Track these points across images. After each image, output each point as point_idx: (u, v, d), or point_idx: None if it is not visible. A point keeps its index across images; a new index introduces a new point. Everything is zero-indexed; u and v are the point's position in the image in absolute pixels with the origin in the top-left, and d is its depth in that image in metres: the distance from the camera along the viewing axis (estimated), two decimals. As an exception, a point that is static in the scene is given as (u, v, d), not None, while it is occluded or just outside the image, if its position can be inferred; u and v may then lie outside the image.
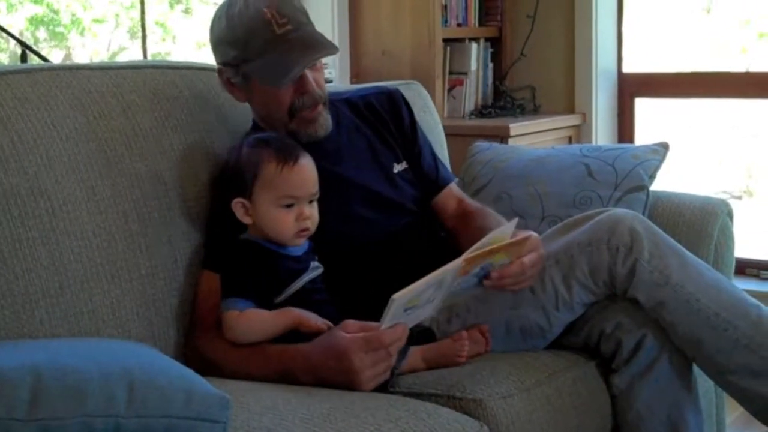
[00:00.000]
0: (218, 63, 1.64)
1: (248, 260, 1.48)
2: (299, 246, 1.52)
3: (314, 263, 1.53)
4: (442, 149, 2.17)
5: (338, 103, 1.76)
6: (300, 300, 1.48)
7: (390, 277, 1.38)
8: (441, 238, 1.77)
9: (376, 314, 1.36)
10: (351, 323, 1.40)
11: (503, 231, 1.44)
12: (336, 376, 1.37)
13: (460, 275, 1.39)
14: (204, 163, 1.67)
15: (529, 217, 1.97)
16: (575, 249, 1.58)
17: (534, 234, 1.53)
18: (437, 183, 1.80)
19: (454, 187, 1.82)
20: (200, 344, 1.53)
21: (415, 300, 1.33)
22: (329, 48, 1.59)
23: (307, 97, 1.59)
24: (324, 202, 1.53)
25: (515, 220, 1.47)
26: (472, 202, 1.80)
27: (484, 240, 1.40)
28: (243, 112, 1.73)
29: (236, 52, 1.58)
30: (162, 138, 1.63)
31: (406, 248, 1.66)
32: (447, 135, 2.27)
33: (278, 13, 1.55)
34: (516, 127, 2.89)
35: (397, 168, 1.75)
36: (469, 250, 1.38)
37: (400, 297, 1.28)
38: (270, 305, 1.47)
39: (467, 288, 1.48)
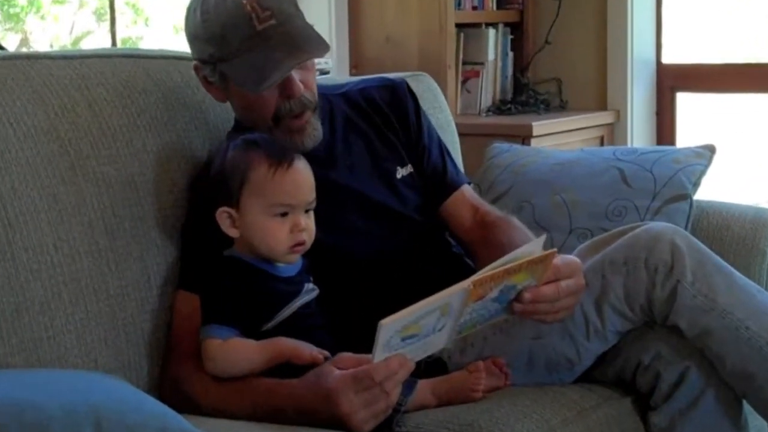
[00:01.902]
0: (194, 59, 1.65)
1: (233, 281, 1.48)
2: (293, 264, 1.53)
3: (309, 285, 1.54)
4: (454, 151, 2.18)
5: (333, 97, 1.77)
6: (292, 327, 1.48)
7: (394, 299, 1.37)
8: (455, 255, 1.77)
9: (378, 342, 1.36)
10: (345, 357, 1.41)
11: (527, 251, 1.42)
12: (327, 420, 1.36)
13: (473, 300, 1.38)
14: (182, 166, 1.67)
15: (555, 230, 1.98)
16: (608, 269, 1.58)
17: (574, 259, 1.52)
18: (445, 185, 1.79)
19: (467, 192, 1.81)
20: (177, 376, 1.53)
21: (414, 327, 1.33)
22: (318, 48, 1.58)
23: (294, 102, 1.59)
24: (316, 213, 1.54)
25: (543, 237, 1.46)
26: (491, 210, 1.79)
27: (500, 260, 1.39)
28: (227, 108, 1.74)
29: (212, 50, 1.59)
30: (134, 137, 1.63)
31: (412, 266, 1.67)
32: (460, 135, 2.28)
33: (260, 6, 1.55)
34: (539, 125, 2.91)
35: (401, 173, 1.75)
36: (481, 271, 1.37)
37: (388, 324, 1.27)
38: (257, 333, 1.47)
39: (490, 317, 1.47)
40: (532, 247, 1.43)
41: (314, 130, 1.63)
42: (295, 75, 1.58)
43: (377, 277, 1.64)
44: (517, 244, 1.49)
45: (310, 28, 1.61)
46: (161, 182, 1.64)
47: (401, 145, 1.77)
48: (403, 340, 1.33)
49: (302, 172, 1.51)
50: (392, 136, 1.77)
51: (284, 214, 1.48)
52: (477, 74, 3.15)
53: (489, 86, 3.18)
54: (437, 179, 1.79)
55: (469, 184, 1.85)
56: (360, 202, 1.69)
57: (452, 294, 1.34)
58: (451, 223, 1.78)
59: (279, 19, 1.56)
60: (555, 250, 1.44)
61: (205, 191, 1.56)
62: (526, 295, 1.45)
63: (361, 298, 1.61)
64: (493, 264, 1.38)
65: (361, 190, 1.70)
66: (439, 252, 1.74)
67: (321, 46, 1.59)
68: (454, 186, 1.79)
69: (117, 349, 1.54)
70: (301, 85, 1.59)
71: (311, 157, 1.58)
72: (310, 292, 1.53)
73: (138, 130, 1.64)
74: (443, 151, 1.83)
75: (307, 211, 1.51)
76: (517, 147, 2.29)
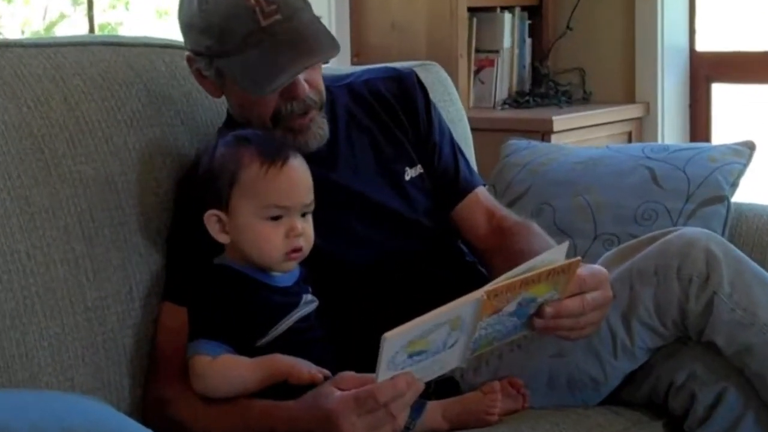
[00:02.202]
0: (187, 49, 1.65)
1: (224, 291, 1.48)
2: (289, 273, 1.53)
3: (307, 296, 1.54)
4: (467, 148, 2.19)
5: (335, 90, 1.77)
6: (288, 342, 1.48)
7: (400, 313, 1.37)
8: (468, 264, 1.78)
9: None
10: (347, 377, 1.41)
11: (548, 259, 1.41)
12: None
13: (487, 314, 1.37)
14: (167, 165, 1.67)
15: (578, 236, 1.98)
16: (636, 280, 1.58)
17: (600, 269, 1.51)
18: (457, 187, 1.80)
19: (482, 194, 1.82)
20: (162, 397, 1.53)
21: (421, 342, 1.32)
22: (329, 49, 1.58)
23: (297, 103, 1.59)
24: (315, 217, 1.54)
25: (566, 244, 1.45)
26: (509, 215, 1.79)
27: (518, 269, 1.38)
28: (217, 102, 1.75)
29: (209, 42, 1.58)
30: (113, 134, 1.64)
31: (421, 277, 1.67)
32: (473, 130, 2.28)
33: None
34: (561, 120, 2.91)
35: (410, 173, 1.76)
36: (495, 281, 1.37)
37: (393, 337, 1.27)
38: (250, 349, 1.47)
39: (508, 333, 1.46)
40: (554, 255, 1.42)
41: (319, 129, 1.63)
42: (301, 75, 1.58)
43: (382, 288, 1.64)
44: (537, 252, 1.48)
45: (318, 23, 1.61)
46: (144, 183, 1.64)
47: (410, 143, 1.77)
48: (410, 356, 1.33)
49: (298, 170, 1.51)
50: (400, 133, 1.77)
51: (278, 218, 1.48)
52: (491, 63, 3.15)
53: (505, 77, 3.18)
54: (449, 181, 1.79)
55: (484, 185, 1.86)
56: (364, 205, 1.69)
57: (463, 305, 1.33)
58: (464, 229, 1.79)
59: (285, 13, 1.55)
60: (579, 258, 1.44)
61: (192, 193, 1.57)
62: (548, 310, 1.44)
63: (365, 311, 1.61)
64: (510, 273, 1.38)
65: (365, 193, 1.70)
66: (451, 260, 1.75)
67: (331, 47, 1.59)
68: (468, 188, 1.80)
69: (96, 368, 1.54)
70: (306, 86, 1.59)
71: (310, 155, 1.58)
72: (308, 303, 1.54)
73: (118, 126, 1.64)
74: (456, 149, 1.83)
75: (304, 215, 1.51)
76: (536, 144, 2.28)
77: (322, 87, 1.64)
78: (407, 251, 1.69)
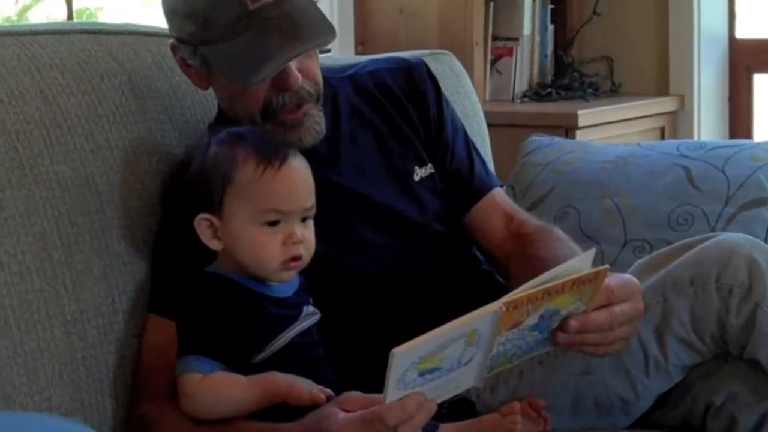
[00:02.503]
0: (172, 36, 1.66)
1: (215, 303, 1.48)
2: (288, 282, 1.53)
3: (308, 308, 1.55)
4: (483, 146, 2.19)
5: (337, 82, 1.77)
6: (287, 359, 1.48)
7: (410, 327, 1.35)
8: (484, 273, 1.78)
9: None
10: (352, 397, 1.41)
11: (572, 267, 1.41)
12: None
13: (506, 327, 1.37)
14: (154, 165, 1.68)
15: (606, 242, 1.99)
16: (671, 290, 1.58)
17: (630, 278, 1.51)
18: (472, 189, 1.80)
19: (499, 196, 1.82)
20: (147, 418, 1.53)
21: (434, 359, 1.32)
22: (322, 34, 1.58)
23: (289, 96, 1.60)
24: (315, 222, 1.54)
25: (592, 251, 1.45)
26: (529, 219, 1.79)
27: (540, 278, 1.38)
28: (209, 95, 1.76)
29: (193, 29, 1.59)
30: (95, 131, 1.64)
31: (432, 287, 1.67)
32: (490, 126, 2.28)
33: None
34: (587, 114, 2.92)
35: (420, 173, 1.76)
36: (515, 291, 1.37)
37: (402, 353, 1.27)
38: (245, 366, 1.47)
39: (529, 350, 1.47)
40: (579, 262, 1.42)
41: (315, 123, 1.63)
42: (293, 63, 1.58)
43: (390, 299, 1.64)
44: (560, 260, 1.49)
45: (314, 6, 1.61)
46: (128, 184, 1.65)
47: (419, 141, 1.78)
48: (421, 375, 1.32)
49: (298, 171, 1.51)
50: (408, 129, 1.78)
51: (276, 223, 1.49)
52: (510, 52, 3.16)
53: (524, 67, 3.19)
54: (463, 182, 1.80)
55: (502, 186, 1.86)
56: (369, 208, 1.70)
57: (479, 318, 1.33)
58: (480, 235, 1.79)
59: None
60: (607, 266, 1.44)
61: (181, 195, 1.57)
62: (573, 323, 1.44)
63: (371, 325, 1.61)
64: (531, 282, 1.37)
65: (370, 195, 1.71)
66: (465, 269, 1.75)
67: (326, 33, 1.59)
68: (484, 190, 1.80)
69: (75, 387, 1.54)
70: (299, 76, 1.59)
71: (310, 154, 1.58)
72: (309, 316, 1.54)
73: (100, 122, 1.65)
74: (470, 146, 1.84)
75: (304, 220, 1.51)
76: (560, 140, 2.29)
77: (319, 77, 1.64)
78: (417, 258, 1.70)
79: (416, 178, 1.76)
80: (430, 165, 1.77)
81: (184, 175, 1.57)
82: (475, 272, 1.77)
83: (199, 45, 1.60)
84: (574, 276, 1.39)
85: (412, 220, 1.72)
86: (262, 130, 1.57)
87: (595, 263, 1.46)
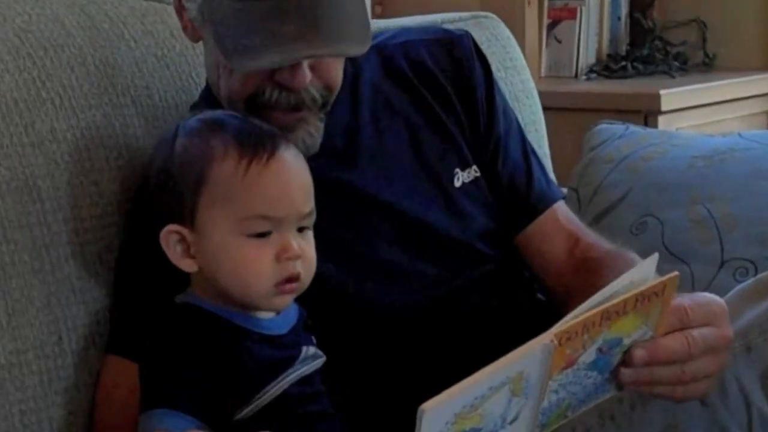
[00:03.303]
0: None
1: (189, 342, 1.48)
2: (283, 315, 1.54)
3: (309, 349, 1.55)
4: (537, 138, 2.19)
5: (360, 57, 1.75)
6: (281, 414, 1.48)
7: (443, 374, 1.33)
8: (540, 305, 1.79)
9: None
10: None
11: (632, 279, 1.40)
12: None
13: (559, 368, 1.37)
14: (112, 162, 1.69)
15: (697, 261, 2.00)
16: (781, 327, 1.55)
17: (713, 298, 1.51)
18: (529, 201, 1.82)
19: (561, 212, 1.84)
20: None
21: (473, 418, 1.31)
22: (353, 40, 1.57)
23: (289, 95, 1.60)
24: (326, 237, 1.54)
25: (654, 257, 1.44)
26: (597, 242, 1.80)
27: (593, 299, 1.37)
28: (186, 70, 1.80)
29: None
30: (36, 119, 1.65)
31: (474, 324, 1.68)
32: (545, 110, 2.29)
33: None
34: (672, 95, 2.92)
35: (462, 178, 1.77)
36: (565, 319, 1.36)
37: (433, 408, 1.24)
38: (228, 423, 1.46)
39: (588, 396, 1.45)
40: (640, 273, 1.42)
41: (308, 135, 1.63)
42: (304, 63, 1.58)
43: (418, 339, 1.65)
44: None
45: (358, 1, 1.60)
46: (79, 188, 1.65)
47: (463, 136, 1.79)
48: (458, 435, 1.33)
49: (291, 166, 1.51)
50: (450, 120, 1.79)
51: (266, 234, 1.49)
52: (572, 15, 3.17)
53: (591, 33, 3.20)
54: (517, 192, 1.81)
55: (564, 198, 1.88)
56: (396, 222, 1.71)
57: (526, 356, 1.32)
58: (535, 260, 1.82)
59: None
60: (676, 273, 1.43)
61: (146, 201, 1.58)
62: (639, 353, 1.43)
63: (394, 373, 1.62)
64: (583, 306, 1.37)
65: (398, 204, 1.71)
66: (516, 301, 1.76)
67: (358, 39, 1.58)
68: (543, 204, 1.82)
69: (12, 445, 1.54)
70: (309, 76, 1.59)
71: (323, 148, 1.62)
72: (311, 360, 1.54)
73: (43, 107, 1.65)
74: (526, 146, 1.85)
75: (301, 230, 1.51)
76: (637, 129, 2.29)
77: (337, 82, 1.65)
78: (455, 288, 1.71)
79: (457, 183, 1.77)
80: (474, 167, 1.79)
81: (151, 176, 1.57)
82: (529, 305, 1.78)
83: None
84: (638, 290, 1.38)
85: (451, 238, 1.74)
86: (245, 115, 1.57)
87: (680, 284, 1.45)
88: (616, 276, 1.60)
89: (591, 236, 1.82)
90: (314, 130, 1.64)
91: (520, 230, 1.81)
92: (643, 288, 1.38)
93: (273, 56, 1.54)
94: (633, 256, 1.75)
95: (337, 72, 1.65)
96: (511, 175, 1.82)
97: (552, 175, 1.96)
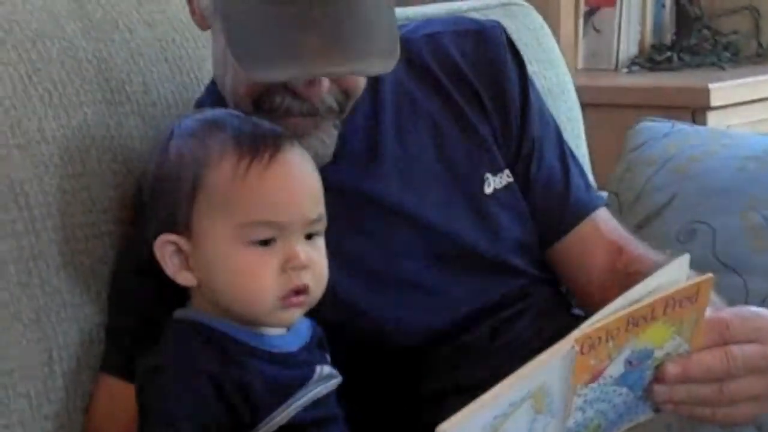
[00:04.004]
0: None
1: (190, 362, 1.46)
2: (292, 330, 1.52)
3: (324, 368, 1.52)
4: (574, 138, 2.20)
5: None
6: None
7: (467, 397, 1.31)
8: (579, 322, 1.72)
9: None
10: None
11: (662, 280, 1.38)
12: None
13: (583, 380, 1.34)
14: (105, 165, 1.68)
15: (753, 273, 1.97)
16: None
17: (759, 311, 1.49)
18: (567, 210, 1.80)
19: (603, 221, 1.82)
20: None
21: None
22: (381, 56, 1.53)
23: (303, 104, 1.58)
24: (341, 248, 1.54)
25: (686, 257, 1.40)
26: (642, 253, 1.78)
27: (617, 301, 1.35)
28: (192, 63, 1.80)
29: None
30: (22, 117, 1.63)
31: (507, 344, 1.67)
32: (583, 106, 2.29)
33: None
34: (722, 89, 2.91)
35: (494, 183, 1.75)
36: (588, 322, 1.34)
37: (452, 428, 1.24)
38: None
39: (620, 416, 1.43)
40: (669, 274, 1.39)
41: (320, 143, 1.60)
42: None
43: (442, 361, 1.65)
44: None
45: (389, 11, 1.57)
46: (71, 194, 1.64)
47: (494, 138, 1.76)
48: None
49: (296, 167, 1.50)
50: (479, 121, 1.76)
51: (270, 242, 1.47)
52: (612, 1, 3.21)
53: (633, 22, 3.24)
54: (553, 199, 1.80)
55: (606, 205, 1.86)
56: (420, 233, 1.69)
57: (546, 366, 1.31)
58: (576, 274, 1.81)
59: None
60: (710, 275, 1.39)
61: (141, 208, 1.57)
62: (671, 368, 1.41)
63: (413, 395, 1.62)
64: (607, 308, 1.35)
65: (422, 214, 1.70)
66: (552, 319, 1.72)
67: (386, 51, 1.54)
68: (583, 212, 1.80)
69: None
70: (327, 85, 1.57)
71: (339, 152, 1.62)
72: (325, 380, 1.52)
73: (30, 104, 1.64)
74: (564, 149, 1.83)
75: (310, 237, 1.49)
76: (684, 127, 2.26)
77: (359, 89, 1.63)
78: (486, 307, 1.70)
79: (488, 190, 1.75)
80: (507, 172, 1.77)
81: (146, 181, 1.57)
82: (568, 323, 1.70)
83: None
84: (665, 293, 1.36)
85: (482, 252, 1.72)
86: (246, 114, 1.56)
87: (733, 297, 1.50)
88: None
89: (636, 247, 1.80)
90: (327, 137, 1.62)
91: (556, 242, 1.80)
92: (672, 290, 1.37)
93: (291, 69, 1.52)
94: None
95: (359, 83, 1.64)
96: (547, 182, 1.80)
97: (592, 181, 1.95)
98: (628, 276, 1.70)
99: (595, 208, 1.82)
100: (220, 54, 1.63)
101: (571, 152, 1.86)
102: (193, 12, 1.66)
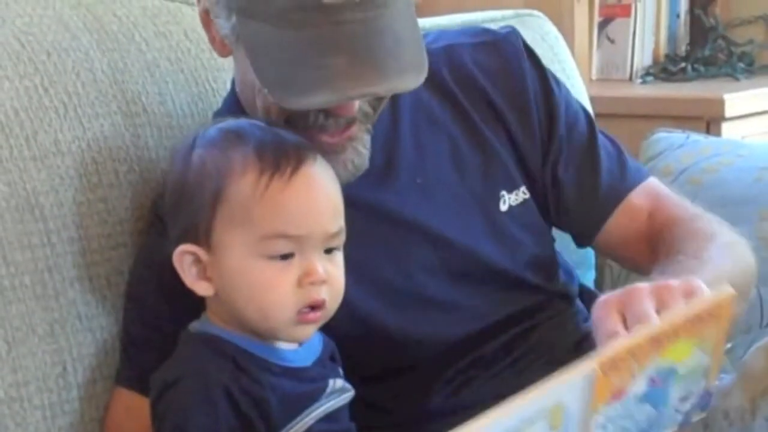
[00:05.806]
0: None
1: (204, 375, 1.46)
2: (307, 344, 1.52)
3: (336, 382, 1.53)
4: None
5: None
6: (306, 454, 1.46)
7: (482, 411, 1.30)
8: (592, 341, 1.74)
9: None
10: None
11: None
12: None
13: (605, 400, 1.33)
14: (122, 177, 1.69)
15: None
16: None
17: None
18: (597, 203, 1.79)
19: (638, 197, 1.81)
20: None
21: None
22: (406, 72, 1.53)
23: (336, 120, 1.57)
24: (356, 263, 1.54)
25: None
26: (679, 211, 1.78)
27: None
28: (210, 73, 1.82)
29: None
30: (38, 130, 1.64)
31: (522, 360, 1.68)
32: (598, 116, 2.22)
33: None
34: (737, 99, 2.91)
35: (509, 201, 1.75)
36: (611, 345, 1.33)
37: None
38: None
39: (648, 428, 1.43)
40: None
41: (356, 154, 1.60)
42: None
43: (458, 379, 1.65)
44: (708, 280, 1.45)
45: (412, 24, 1.57)
46: (86, 206, 1.65)
47: (515, 151, 1.77)
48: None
49: (317, 181, 1.50)
50: (495, 136, 1.76)
51: (288, 256, 1.47)
52: (626, 12, 3.20)
53: (647, 32, 3.24)
54: (586, 196, 1.79)
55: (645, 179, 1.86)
56: (438, 249, 1.69)
57: (565, 387, 1.28)
58: (623, 257, 1.86)
59: None
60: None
61: (160, 220, 1.58)
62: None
63: (428, 412, 1.62)
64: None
65: (440, 230, 1.69)
66: (567, 334, 1.74)
67: (416, 64, 1.54)
68: (614, 199, 1.79)
69: (11, 493, 1.54)
70: (356, 103, 1.57)
71: None
72: (338, 394, 1.53)
73: (46, 117, 1.65)
74: (594, 137, 1.82)
75: (329, 251, 1.50)
76: (699, 138, 2.28)
77: (390, 93, 1.62)
78: (501, 321, 1.70)
79: (503, 207, 1.75)
80: (523, 189, 1.77)
81: (164, 192, 1.57)
82: (582, 338, 1.74)
83: (237, 11, 1.55)
84: (688, 314, 1.37)
85: (498, 268, 1.72)
86: (268, 125, 1.55)
87: (749, 315, 1.50)
88: (689, 246, 1.63)
89: (672, 205, 1.80)
90: (362, 145, 1.62)
91: (596, 234, 1.80)
92: (695, 310, 1.38)
93: (324, 95, 1.51)
94: (721, 231, 1.74)
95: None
96: (577, 179, 1.80)
97: (631, 159, 1.90)
98: (659, 243, 1.72)
99: (627, 191, 1.81)
100: (246, 78, 1.62)
101: (605, 136, 1.86)
102: (212, 40, 1.65)
